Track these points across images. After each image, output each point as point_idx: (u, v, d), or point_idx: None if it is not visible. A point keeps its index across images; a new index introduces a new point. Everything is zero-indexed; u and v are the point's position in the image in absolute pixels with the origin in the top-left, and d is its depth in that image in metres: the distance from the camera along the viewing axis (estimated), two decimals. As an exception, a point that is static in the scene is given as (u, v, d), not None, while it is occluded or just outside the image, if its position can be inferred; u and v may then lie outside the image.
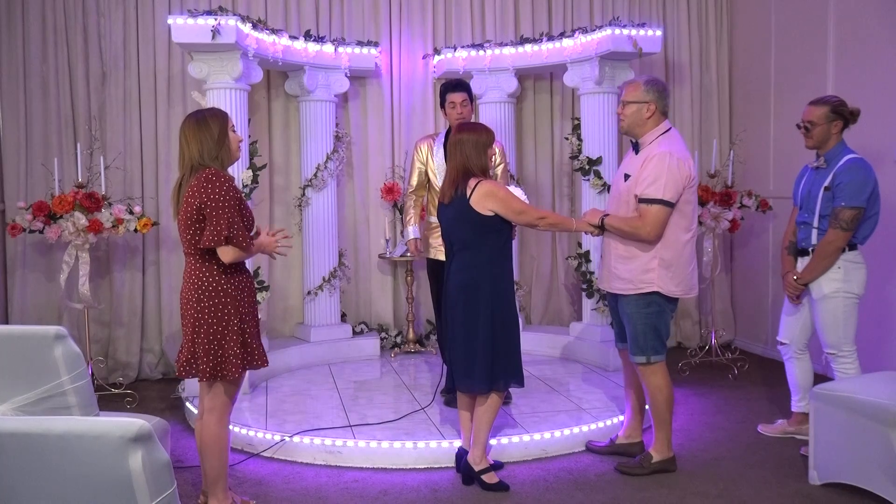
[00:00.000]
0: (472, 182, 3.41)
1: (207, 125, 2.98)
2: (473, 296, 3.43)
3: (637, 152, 3.59)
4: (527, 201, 3.58)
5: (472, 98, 4.46)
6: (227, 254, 2.92)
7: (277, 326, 5.77)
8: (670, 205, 3.43)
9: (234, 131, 3.07)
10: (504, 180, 4.47)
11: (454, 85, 4.41)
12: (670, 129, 3.59)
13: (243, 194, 4.68)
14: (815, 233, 3.80)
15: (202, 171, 2.93)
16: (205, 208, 2.88)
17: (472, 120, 4.60)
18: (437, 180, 4.42)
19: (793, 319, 4.03)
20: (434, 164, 4.48)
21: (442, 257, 4.00)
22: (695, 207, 3.58)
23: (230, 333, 2.98)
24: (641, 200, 3.45)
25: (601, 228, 3.60)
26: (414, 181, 4.59)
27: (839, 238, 3.68)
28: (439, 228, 4.05)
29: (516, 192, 3.57)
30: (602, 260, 3.75)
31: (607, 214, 3.60)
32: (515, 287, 5.52)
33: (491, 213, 3.39)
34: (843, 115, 3.77)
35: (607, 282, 3.66)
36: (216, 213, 2.87)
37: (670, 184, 3.41)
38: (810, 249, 3.82)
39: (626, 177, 3.57)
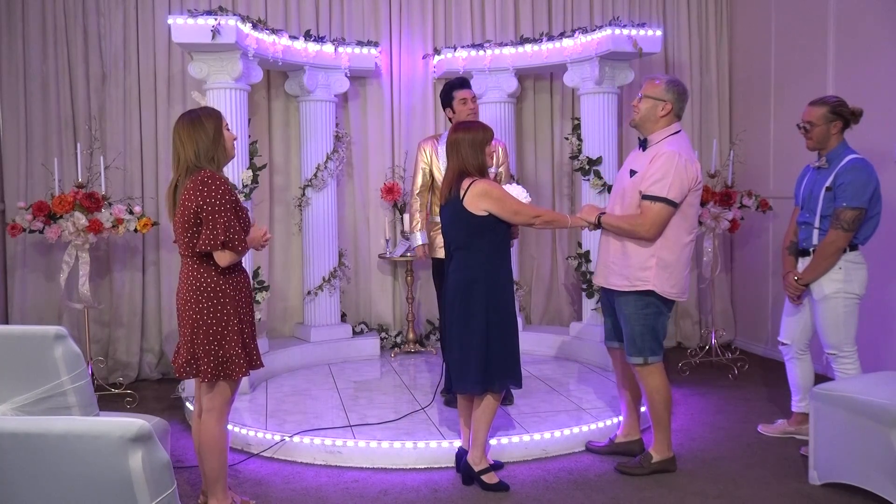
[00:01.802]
0: (465, 182, 3.41)
1: (202, 124, 2.96)
2: (469, 295, 3.42)
3: (644, 149, 3.59)
4: (529, 199, 3.56)
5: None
6: (223, 258, 2.92)
7: (277, 326, 5.77)
8: (674, 205, 3.42)
9: (227, 129, 3.05)
10: (506, 180, 4.49)
11: (462, 82, 4.47)
12: (680, 131, 3.59)
13: (243, 195, 4.74)
14: (816, 233, 3.80)
15: (198, 173, 2.92)
16: (201, 212, 2.87)
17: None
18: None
19: (794, 320, 4.02)
20: (439, 163, 4.52)
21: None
22: (697, 210, 3.58)
23: (230, 333, 2.98)
24: (645, 197, 3.44)
25: (596, 226, 3.60)
26: (419, 182, 4.62)
27: (840, 239, 3.68)
28: None
29: (517, 190, 3.55)
30: (599, 256, 3.74)
31: (604, 213, 3.60)
32: (515, 287, 5.52)
33: (485, 214, 3.37)
34: (843, 115, 3.76)
35: (604, 277, 3.65)
36: (213, 217, 2.86)
37: (676, 184, 3.40)
38: (811, 250, 3.81)
39: (632, 172, 3.56)
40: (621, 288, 3.55)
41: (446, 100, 4.46)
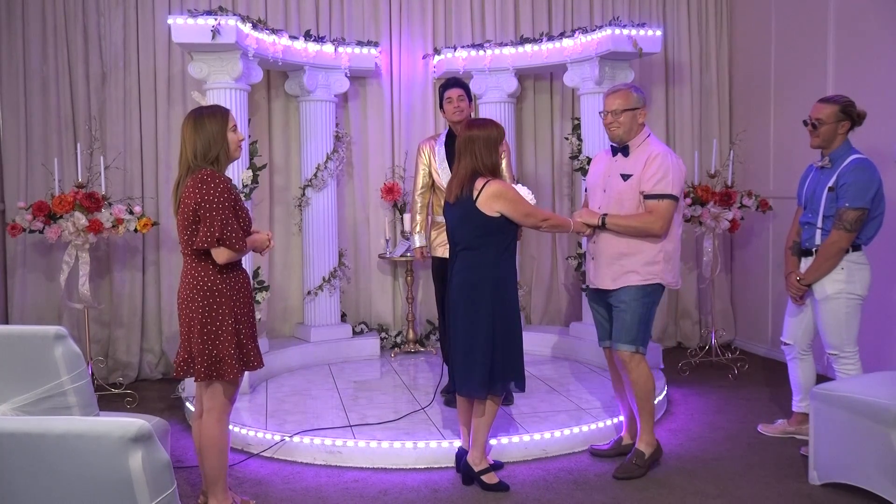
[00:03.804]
0: (479, 182, 3.39)
1: (205, 125, 2.96)
2: (474, 296, 3.41)
3: (626, 155, 3.63)
4: (533, 200, 3.56)
5: (470, 96, 4.48)
6: (220, 255, 2.92)
7: (277, 326, 5.77)
8: (677, 199, 3.55)
9: (234, 131, 3.04)
10: (509, 173, 4.49)
11: (451, 82, 4.49)
12: (650, 132, 3.72)
13: (243, 195, 4.73)
14: (818, 233, 3.79)
15: (198, 171, 2.93)
16: (199, 209, 2.88)
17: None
18: (441, 180, 4.46)
19: (796, 320, 4.02)
20: (436, 164, 4.52)
21: (447, 255, 4.00)
22: (683, 203, 3.79)
23: (224, 334, 2.97)
24: (651, 196, 3.51)
25: (599, 227, 3.61)
26: (419, 182, 4.63)
27: (843, 239, 3.68)
28: (444, 227, 4.04)
29: (523, 191, 3.55)
30: (595, 261, 3.72)
31: (605, 214, 3.61)
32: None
33: (497, 215, 3.37)
34: (852, 115, 3.76)
35: (611, 280, 3.64)
36: (210, 215, 2.87)
37: (676, 180, 3.54)
38: (814, 250, 3.81)
39: (624, 177, 3.59)
40: (635, 283, 3.59)
41: (440, 100, 4.51)
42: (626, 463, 3.67)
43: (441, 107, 4.50)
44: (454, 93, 4.41)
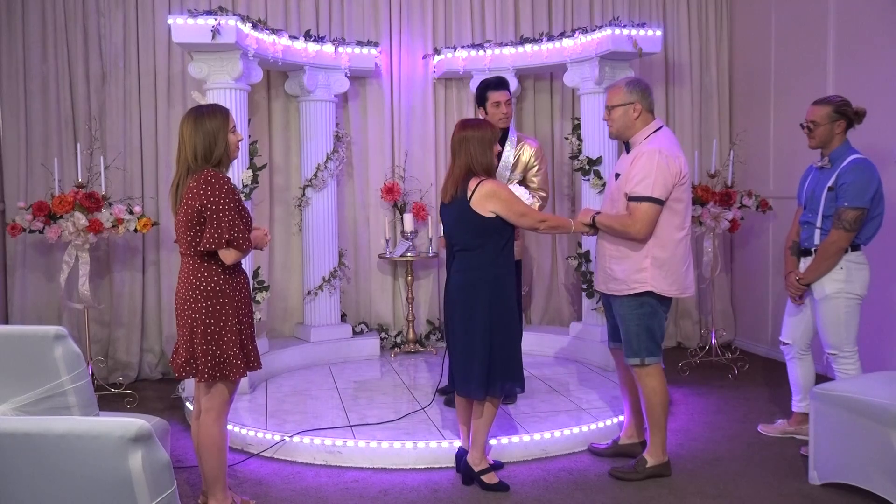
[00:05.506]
0: (472, 183, 3.38)
1: (204, 125, 2.94)
2: (472, 298, 3.40)
3: (628, 152, 3.59)
4: (531, 200, 3.55)
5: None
6: (228, 256, 2.92)
7: (277, 326, 5.77)
8: (660, 202, 3.41)
9: (233, 132, 3.03)
10: (545, 184, 4.43)
11: (497, 82, 4.32)
12: (661, 127, 3.57)
13: (243, 194, 4.73)
14: (818, 233, 3.80)
15: (201, 172, 2.92)
16: (205, 211, 2.87)
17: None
18: None
19: (795, 320, 4.02)
20: None
21: None
22: (688, 206, 3.54)
23: (228, 334, 2.98)
24: (631, 198, 3.43)
25: (593, 227, 3.59)
26: None
27: (842, 238, 3.68)
28: None
29: (519, 191, 3.54)
30: (597, 261, 3.74)
31: (598, 213, 3.60)
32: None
33: (492, 215, 3.35)
34: (847, 115, 3.76)
35: (603, 283, 3.64)
36: (217, 216, 2.86)
37: (659, 181, 3.38)
38: (813, 249, 3.81)
39: (617, 176, 3.57)
40: (621, 293, 3.54)
41: (480, 99, 4.34)
42: (628, 465, 3.66)
43: (481, 105, 4.33)
44: (502, 96, 4.22)
